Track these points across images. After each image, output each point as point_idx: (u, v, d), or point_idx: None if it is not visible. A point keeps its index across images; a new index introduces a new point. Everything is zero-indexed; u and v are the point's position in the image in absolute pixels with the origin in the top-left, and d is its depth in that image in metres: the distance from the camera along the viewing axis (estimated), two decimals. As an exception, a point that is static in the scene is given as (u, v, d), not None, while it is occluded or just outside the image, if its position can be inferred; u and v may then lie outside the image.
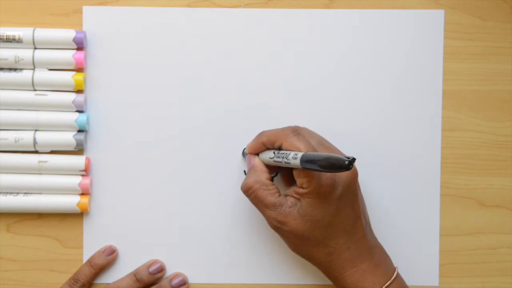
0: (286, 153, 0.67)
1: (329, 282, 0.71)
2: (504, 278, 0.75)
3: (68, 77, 0.72)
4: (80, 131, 0.73)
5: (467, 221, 0.75)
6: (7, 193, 0.73)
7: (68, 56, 0.72)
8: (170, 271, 0.75)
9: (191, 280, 0.75)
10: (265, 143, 0.70)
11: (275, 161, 0.68)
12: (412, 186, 0.75)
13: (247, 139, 0.74)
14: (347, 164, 0.61)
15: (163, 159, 0.74)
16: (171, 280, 0.74)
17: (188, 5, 0.74)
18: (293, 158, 0.65)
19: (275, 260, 0.75)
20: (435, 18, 0.74)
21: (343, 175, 0.67)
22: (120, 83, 0.74)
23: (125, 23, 0.74)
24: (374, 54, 0.74)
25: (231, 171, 0.74)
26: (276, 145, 0.69)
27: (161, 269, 0.74)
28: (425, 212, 0.75)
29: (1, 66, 0.72)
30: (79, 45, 0.73)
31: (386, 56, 0.74)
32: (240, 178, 0.74)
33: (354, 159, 0.61)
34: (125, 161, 0.74)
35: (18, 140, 0.72)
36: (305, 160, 0.64)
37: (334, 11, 0.74)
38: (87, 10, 0.74)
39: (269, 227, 0.70)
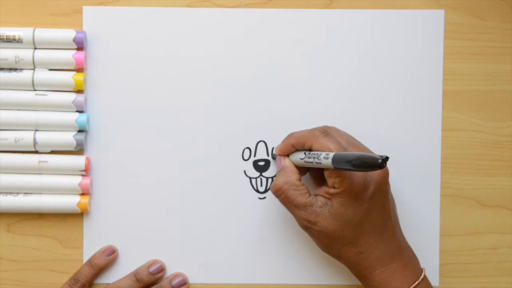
0: (317, 154, 0.67)
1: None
2: (504, 278, 0.75)
3: (68, 77, 0.72)
4: (80, 131, 0.73)
5: (467, 221, 0.75)
6: (7, 193, 0.73)
7: (68, 56, 0.72)
8: (170, 271, 0.75)
9: (191, 280, 0.75)
10: (294, 145, 0.70)
11: (306, 162, 0.68)
12: (412, 186, 0.75)
13: (247, 139, 0.74)
14: (381, 163, 0.61)
15: (163, 159, 0.74)
16: (171, 280, 0.74)
17: (188, 5, 0.74)
18: (325, 158, 0.65)
19: (275, 260, 0.75)
20: (435, 18, 0.74)
21: (375, 174, 0.67)
22: (120, 83, 0.74)
23: (125, 23, 0.74)
24: (374, 54, 0.74)
25: (231, 171, 0.74)
26: (306, 146, 0.69)
27: (161, 269, 0.74)
28: (425, 212, 0.75)
29: (1, 66, 0.72)
30: (79, 45, 0.73)
31: (386, 56, 0.74)
32: (240, 178, 0.74)
33: (387, 158, 0.61)
34: (125, 161, 0.74)
35: (18, 140, 0.72)
36: (337, 160, 0.64)
37: (334, 11, 0.74)
38: (87, 10, 0.74)
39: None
